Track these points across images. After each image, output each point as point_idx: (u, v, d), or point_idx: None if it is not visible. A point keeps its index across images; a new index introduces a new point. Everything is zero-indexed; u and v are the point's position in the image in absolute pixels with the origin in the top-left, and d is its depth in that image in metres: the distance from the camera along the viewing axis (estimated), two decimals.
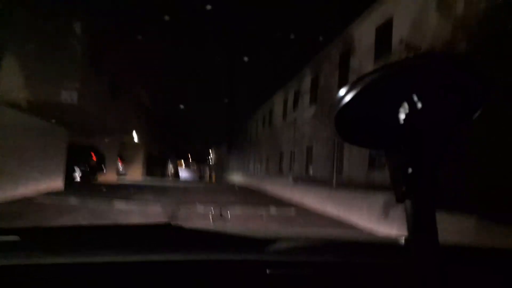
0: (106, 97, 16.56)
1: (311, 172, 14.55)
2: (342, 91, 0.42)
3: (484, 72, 0.40)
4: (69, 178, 14.22)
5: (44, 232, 0.98)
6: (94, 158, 17.42)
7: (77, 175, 15.34)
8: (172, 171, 67.44)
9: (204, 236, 1.01)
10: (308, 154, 15.00)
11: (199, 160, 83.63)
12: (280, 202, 13.10)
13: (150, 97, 30.51)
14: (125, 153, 27.50)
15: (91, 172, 16.77)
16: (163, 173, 45.82)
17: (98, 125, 17.46)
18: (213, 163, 57.93)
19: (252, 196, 15.07)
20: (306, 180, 13.66)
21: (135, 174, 28.06)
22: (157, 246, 0.85)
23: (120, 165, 25.83)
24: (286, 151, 18.20)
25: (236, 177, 30.52)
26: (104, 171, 17.84)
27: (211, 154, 67.53)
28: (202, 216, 5.24)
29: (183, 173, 75.58)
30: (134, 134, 24.03)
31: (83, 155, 16.44)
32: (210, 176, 39.46)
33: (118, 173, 25.23)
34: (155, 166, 36.04)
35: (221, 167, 42.96)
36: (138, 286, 0.65)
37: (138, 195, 12.31)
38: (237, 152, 34.59)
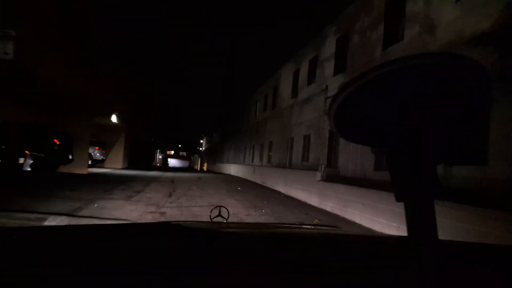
0: (76, 63, 12.79)
1: (338, 163, 11.00)
2: (341, 87, 0.42)
3: (483, 72, 0.40)
4: (11, 166, 10.54)
5: (38, 232, 0.96)
6: (57, 142, 13.67)
7: (27, 163, 11.59)
8: (161, 159, 64.66)
9: (203, 235, 1.01)
10: (332, 140, 11.45)
11: (190, 149, 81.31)
12: (310, 211, 9.61)
13: (135, 75, 26.62)
14: (104, 138, 23.74)
15: (50, 160, 13.04)
16: (149, 162, 42.02)
17: (63, 100, 13.71)
18: (205, 151, 54.29)
19: (265, 198, 11.44)
20: (333, 177, 10.12)
21: (115, 162, 24.32)
22: (155, 245, 0.83)
23: (96, 151, 22.10)
24: (297, 136, 14.63)
25: (232, 168, 26.86)
26: (71, 157, 14.10)
27: (203, 142, 64.14)
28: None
29: (173, 161, 73.70)
30: (114, 116, 20.24)
31: (39, 137, 12.70)
32: (202, 165, 35.62)
33: (93, 161, 21.53)
34: (140, 154, 32.19)
35: (214, 156, 39.32)
36: (137, 286, 0.60)
37: (85, 193, 8.61)
38: (232, 140, 30.90)
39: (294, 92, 16.21)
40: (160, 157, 65.78)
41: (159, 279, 0.62)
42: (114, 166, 24.03)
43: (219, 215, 1.41)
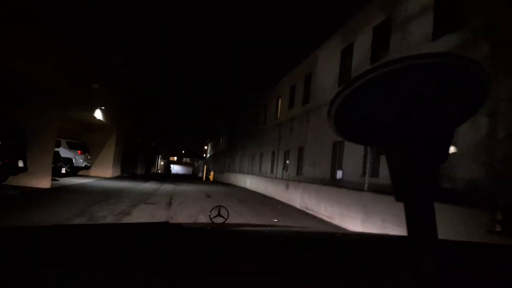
0: (34, 36, 8.31)
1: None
2: (341, 88, 0.42)
3: (483, 72, 0.40)
4: None
5: (38, 232, 0.98)
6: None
7: None
8: (162, 165, 60.32)
9: (203, 235, 1.02)
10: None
11: (194, 155, 77.42)
12: None
13: (130, 66, 22.21)
14: (89, 140, 19.22)
15: None
16: (148, 169, 37.41)
17: (9, 81, 9.25)
18: (210, 158, 49.58)
19: None
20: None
21: (103, 170, 19.79)
22: (155, 246, 0.82)
23: (78, 156, 17.57)
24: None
25: (247, 180, 21.42)
26: (22, 165, 9.55)
27: (207, 148, 59.57)
28: None
29: (175, 167, 70.35)
30: (99, 112, 15.74)
31: None
32: (207, 174, 30.87)
33: (73, 168, 17.01)
34: (136, 160, 27.60)
35: (222, 164, 34.65)
36: (137, 286, 0.60)
37: None
38: (245, 145, 26.22)
39: (345, 77, 11.60)
40: (162, 163, 61.59)
41: (158, 279, 0.61)
42: (102, 175, 19.48)
43: (219, 215, 1.32)
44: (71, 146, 17.77)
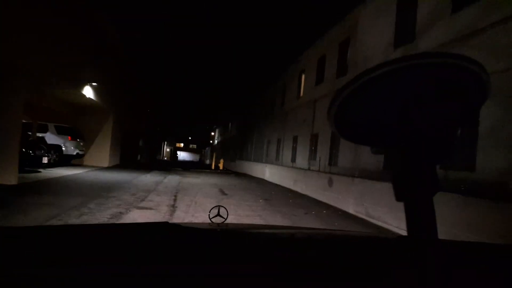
0: None
1: None
2: (341, 87, 0.42)
3: (483, 72, 0.40)
4: None
5: (38, 232, 0.96)
6: None
7: None
8: (169, 152, 58.16)
9: (202, 235, 1.01)
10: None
11: (201, 142, 75.33)
12: None
13: (130, 39, 19.44)
14: (82, 125, 16.64)
15: None
16: (153, 156, 34.89)
17: None
18: (218, 145, 46.96)
19: None
20: None
21: (99, 158, 17.25)
22: (154, 245, 0.82)
23: (68, 143, 15.02)
24: None
25: (267, 170, 17.89)
26: None
27: (215, 135, 56.94)
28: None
29: (182, 154, 68.82)
30: (89, 89, 13.08)
31: None
32: (216, 162, 28.22)
33: (62, 157, 14.48)
34: (139, 147, 25.02)
35: (233, 151, 32.05)
36: (136, 286, 0.60)
37: None
38: (261, 130, 23.42)
39: (403, 35, 8.71)
40: (168, 150, 59.42)
41: (157, 279, 0.61)
42: (98, 164, 16.96)
43: (218, 214, 1.25)
44: (60, 131, 15.18)
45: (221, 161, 27.44)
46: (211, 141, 61.40)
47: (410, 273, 0.45)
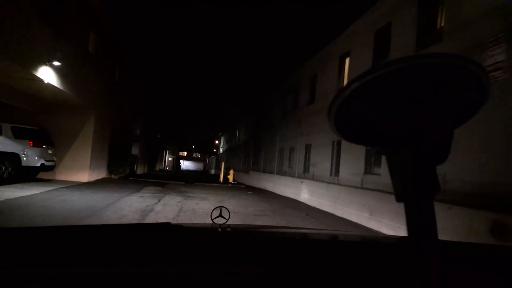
0: None
1: None
2: (341, 88, 0.42)
3: (482, 72, 0.40)
4: None
5: (39, 232, 0.96)
6: None
7: None
8: (171, 161, 54.25)
9: (204, 235, 1.02)
10: None
11: (204, 150, 71.65)
12: None
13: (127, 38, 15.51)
14: (52, 126, 12.60)
15: None
16: (152, 166, 30.74)
17: None
18: (225, 153, 42.83)
19: None
20: None
21: (76, 170, 13.16)
22: (156, 246, 0.81)
23: (30, 150, 10.94)
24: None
25: (292, 186, 13.94)
26: None
27: (220, 143, 52.97)
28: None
29: (186, 163, 65.16)
30: (52, 73, 9.04)
31: None
32: (225, 173, 23.90)
33: (21, 169, 10.43)
34: (133, 155, 20.90)
35: (245, 160, 27.82)
36: (137, 286, 0.60)
37: None
38: (284, 134, 19.19)
39: None
40: (170, 158, 55.50)
41: (159, 279, 0.60)
42: (74, 178, 12.86)
43: (220, 215, 1.28)
44: (18, 134, 11.08)
45: (231, 172, 23.21)
46: (215, 150, 57.47)
47: (410, 274, 0.44)
